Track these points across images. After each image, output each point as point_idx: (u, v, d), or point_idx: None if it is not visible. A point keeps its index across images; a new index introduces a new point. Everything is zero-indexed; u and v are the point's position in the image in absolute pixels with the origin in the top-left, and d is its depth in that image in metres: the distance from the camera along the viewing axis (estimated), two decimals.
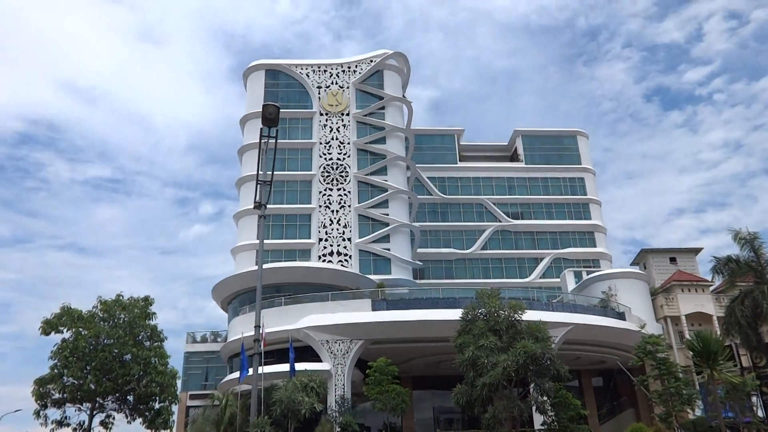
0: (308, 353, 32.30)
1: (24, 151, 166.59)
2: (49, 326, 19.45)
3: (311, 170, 48.47)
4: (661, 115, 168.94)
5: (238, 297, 39.60)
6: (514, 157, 61.49)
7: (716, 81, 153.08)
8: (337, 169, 48.49)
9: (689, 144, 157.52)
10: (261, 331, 21.80)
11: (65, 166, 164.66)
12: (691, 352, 25.98)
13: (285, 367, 26.81)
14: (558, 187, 58.25)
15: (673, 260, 50.52)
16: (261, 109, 21.45)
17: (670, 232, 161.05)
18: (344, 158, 48.95)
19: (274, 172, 23.16)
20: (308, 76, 51.51)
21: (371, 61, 52.42)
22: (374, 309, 33.59)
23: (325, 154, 49.04)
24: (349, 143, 49.48)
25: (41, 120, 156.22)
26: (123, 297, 20.99)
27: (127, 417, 20.41)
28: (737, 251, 32.05)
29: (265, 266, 25.66)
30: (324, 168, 48.49)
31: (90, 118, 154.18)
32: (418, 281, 48.87)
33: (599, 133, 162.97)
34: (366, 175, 48.55)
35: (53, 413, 19.37)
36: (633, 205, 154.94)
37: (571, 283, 47.55)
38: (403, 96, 53.25)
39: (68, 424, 19.61)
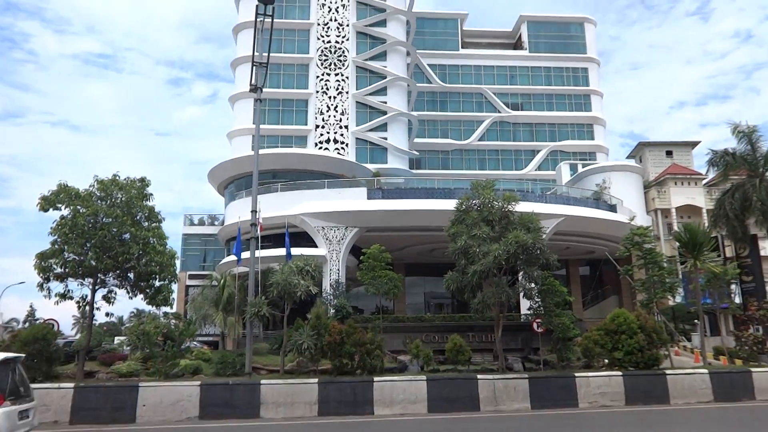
0: (304, 239, 33.03)
1: (9, 18, 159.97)
2: (47, 203, 19.44)
3: (308, 53, 46.89)
4: (674, 2, 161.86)
5: (234, 181, 39.81)
6: (518, 45, 59.36)
7: None
8: (335, 52, 46.88)
9: (699, 33, 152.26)
10: (258, 216, 22.15)
11: (53, 38, 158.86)
12: (677, 243, 26.64)
13: (281, 251, 27.43)
14: (560, 77, 56.72)
15: (669, 153, 50.39)
16: None
17: (669, 126, 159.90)
18: (343, 41, 47.18)
19: (270, 54, 22.43)
20: None
21: None
22: (370, 197, 33.96)
23: (323, 36, 47.21)
24: (348, 25, 47.46)
25: None
26: (119, 177, 20.89)
27: (128, 293, 21.03)
28: (735, 145, 31.87)
29: (261, 152, 25.47)
30: (322, 51, 46.86)
31: None
32: (414, 171, 48.97)
33: (608, 20, 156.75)
34: (365, 60, 47.05)
35: (56, 286, 19.90)
36: (635, 97, 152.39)
37: (566, 176, 47.77)
38: None
39: (71, 298, 20.21)
